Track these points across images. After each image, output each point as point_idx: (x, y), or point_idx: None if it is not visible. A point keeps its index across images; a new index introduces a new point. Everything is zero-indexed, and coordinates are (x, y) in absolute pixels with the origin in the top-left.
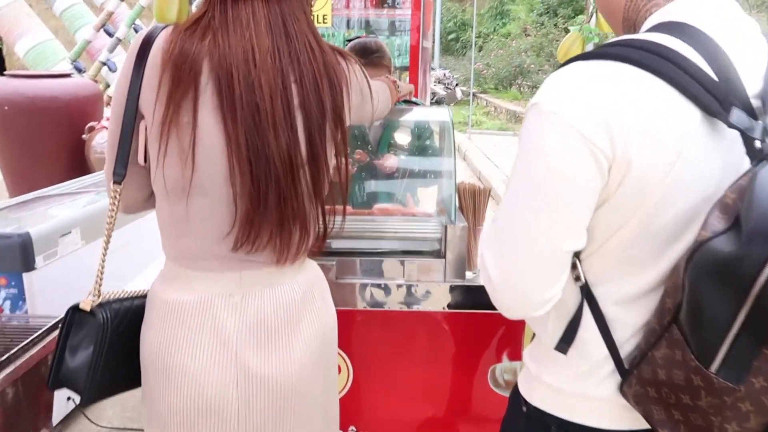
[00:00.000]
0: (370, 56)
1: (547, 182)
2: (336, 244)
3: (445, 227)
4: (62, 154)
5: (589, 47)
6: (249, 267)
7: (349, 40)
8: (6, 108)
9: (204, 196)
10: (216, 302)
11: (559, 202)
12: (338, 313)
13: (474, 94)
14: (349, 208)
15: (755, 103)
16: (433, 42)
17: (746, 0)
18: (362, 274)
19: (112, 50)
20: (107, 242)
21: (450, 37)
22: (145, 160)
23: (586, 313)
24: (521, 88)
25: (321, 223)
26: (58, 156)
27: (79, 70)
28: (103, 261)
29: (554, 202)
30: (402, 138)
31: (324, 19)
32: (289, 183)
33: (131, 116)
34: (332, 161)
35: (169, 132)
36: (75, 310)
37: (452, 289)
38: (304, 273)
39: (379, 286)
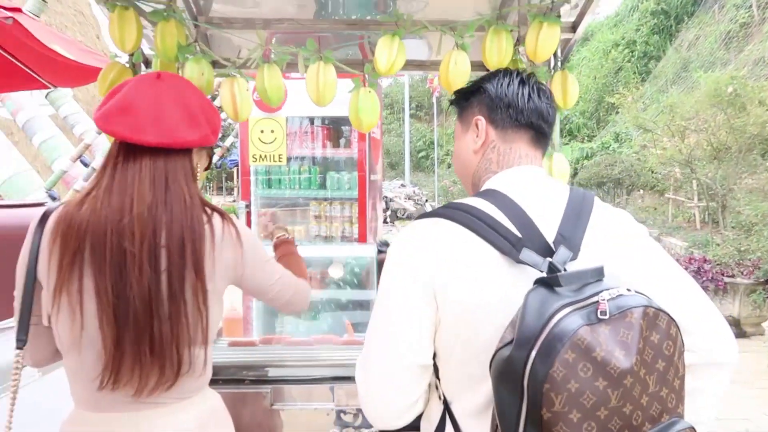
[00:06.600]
0: None
1: (389, 305)
2: (272, 373)
3: None
4: None
5: None
6: (146, 408)
7: None
8: None
9: (93, 348)
10: None
11: (397, 319)
12: None
13: None
14: (289, 338)
15: (554, 242)
16: (392, 162)
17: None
18: (295, 400)
19: (87, 179)
20: (12, 409)
21: (420, 155)
22: (49, 321)
23: (449, 426)
24: None
25: (179, 359)
26: None
27: (53, 198)
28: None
29: (394, 320)
30: (336, 272)
31: (279, 158)
32: (147, 319)
33: (30, 284)
34: (212, 306)
35: (60, 296)
36: None
37: None
38: (195, 408)
39: (312, 411)
